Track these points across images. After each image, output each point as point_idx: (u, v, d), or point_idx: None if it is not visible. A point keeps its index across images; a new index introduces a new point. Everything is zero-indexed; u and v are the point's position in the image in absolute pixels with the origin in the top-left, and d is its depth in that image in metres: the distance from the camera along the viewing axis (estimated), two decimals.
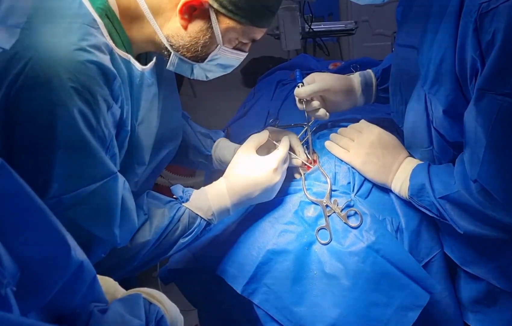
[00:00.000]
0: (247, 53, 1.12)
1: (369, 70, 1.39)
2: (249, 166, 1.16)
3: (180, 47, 1.03)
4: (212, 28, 1.01)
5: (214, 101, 2.92)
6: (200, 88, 3.13)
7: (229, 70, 1.14)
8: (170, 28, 1.02)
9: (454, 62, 0.95)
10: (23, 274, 0.61)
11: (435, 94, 1.02)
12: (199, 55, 1.05)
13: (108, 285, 0.86)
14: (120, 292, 0.86)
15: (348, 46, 3.05)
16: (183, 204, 1.13)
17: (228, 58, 1.08)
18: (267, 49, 3.02)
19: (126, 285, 0.89)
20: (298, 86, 1.32)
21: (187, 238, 1.12)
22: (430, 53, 1.02)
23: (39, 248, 0.65)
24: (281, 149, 1.19)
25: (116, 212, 0.98)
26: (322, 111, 1.32)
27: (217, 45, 1.04)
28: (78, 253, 0.71)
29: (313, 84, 1.31)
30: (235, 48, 1.07)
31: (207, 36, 1.02)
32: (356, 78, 1.38)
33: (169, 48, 1.04)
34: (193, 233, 1.12)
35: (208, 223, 1.14)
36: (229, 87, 2.76)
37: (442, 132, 1.06)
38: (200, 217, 1.13)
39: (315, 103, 1.32)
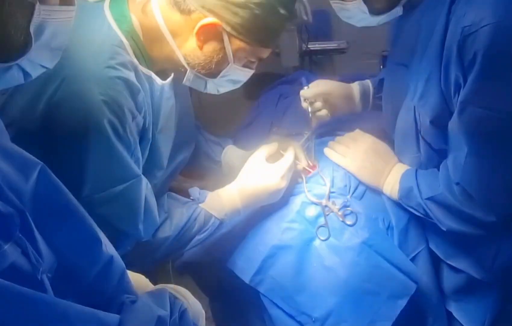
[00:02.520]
0: (254, 70, 1.13)
1: (368, 80, 1.41)
2: (259, 172, 1.18)
3: (196, 65, 1.04)
4: (224, 48, 1.02)
5: (218, 112, 2.92)
6: (206, 99, 3.13)
7: (238, 85, 1.15)
8: (187, 48, 1.03)
9: (440, 78, 0.98)
10: (60, 265, 0.64)
11: (423, 106, 1.04)
12: (212, 72, 1.06)
13: (141, 281, 0.89)
14: (151, 287, 0.88)
15: (340, 63, 3.06)
16: (199, 204, 1.15)
17: (238, 74, 1.10)
18: (267, 66, 3.02)
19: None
20: (304, 89, 1.35)
21: (202, 235, 1.14)
22: (419, 70, 1.04)
23: (75, 242, 0.68)
24: (288, 158, 1.20)
25: (140, 210, 1.00)
26: (324, 112, 1.35)
27: (229, 63, 1.05)
28: (109, 248, 0.74)
29: (317, 87, 1.35)
30: (244, 66, 1.09)
31: (220, 56, 1.03)
32: (355, 86, 1.40)
33: (185, 65, 1.05)
34: (207, 231, 1.14)
35: (221, 222, 1.16)
36: (232, 99, 2.76)
37: (429, 140, 1.08)
38: (214, 216, 1.15)
39: (318, 104, 1.34)
